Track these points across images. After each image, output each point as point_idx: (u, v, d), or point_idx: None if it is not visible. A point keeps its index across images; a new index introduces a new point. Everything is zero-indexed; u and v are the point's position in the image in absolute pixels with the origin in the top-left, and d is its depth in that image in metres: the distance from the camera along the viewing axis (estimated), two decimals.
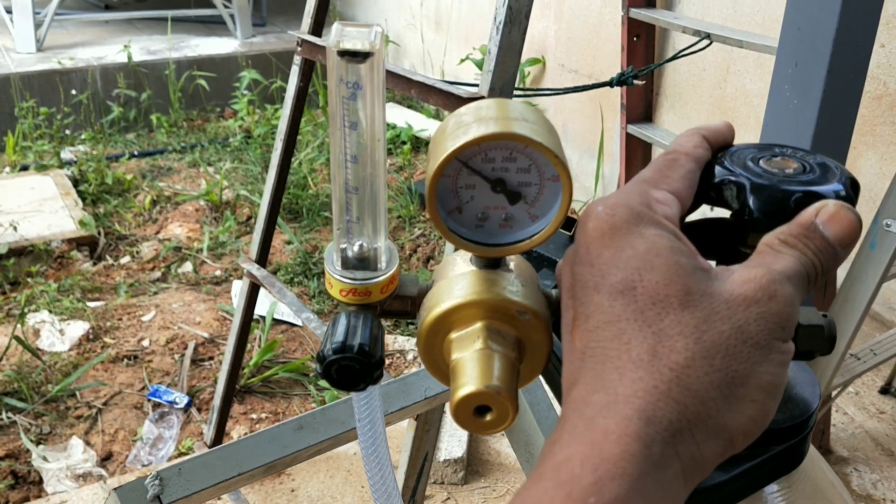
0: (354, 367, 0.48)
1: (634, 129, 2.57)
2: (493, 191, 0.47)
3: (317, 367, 0.49)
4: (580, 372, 0.39)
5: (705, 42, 2.19)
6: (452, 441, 2.34)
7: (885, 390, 2.60)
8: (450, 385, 0.48)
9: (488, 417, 0.46)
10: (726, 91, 3.06)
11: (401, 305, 0.52)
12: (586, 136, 3.79)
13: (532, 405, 0.99)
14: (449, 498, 2.29)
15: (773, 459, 0.51)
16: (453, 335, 0.49)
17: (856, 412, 2.54)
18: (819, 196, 0.45)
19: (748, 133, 3.01)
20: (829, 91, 1.84)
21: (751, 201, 0.45)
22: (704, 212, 0.50)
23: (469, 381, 0.45)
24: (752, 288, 0.39)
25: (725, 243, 0.50)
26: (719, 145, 0.50)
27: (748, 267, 0.40)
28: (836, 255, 0.43)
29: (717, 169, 0.48)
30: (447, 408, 1.51)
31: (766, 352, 0.38)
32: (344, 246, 0.50)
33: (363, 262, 0.50)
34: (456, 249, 0.50)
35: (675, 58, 2.23)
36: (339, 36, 0.42)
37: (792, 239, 0.42)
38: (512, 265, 0.51)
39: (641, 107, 2.60)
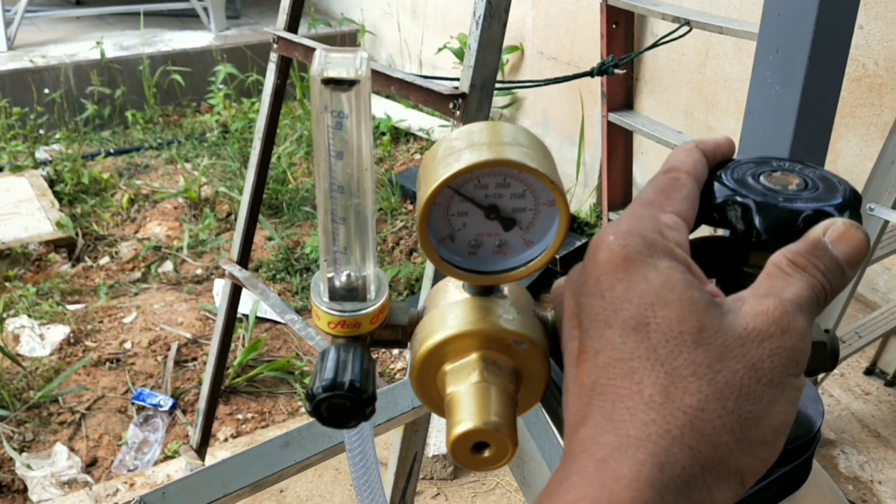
0: (346, 405, 0.46)
1: (615, 117, 2.56)
2: (486, 218, 0.45)
3: (306, 405, 0.47)
4: (588, 409, 0.38)
5: (685, 28, 2.18)
6: (441, 436, 2.33)
7: (869, 371, 2.62)
8: (445, 418, 0.47)
9: (487, 454, 0.44)
10: (706, 76, 3.05)
11: (391, 335, 0.50)
12: (567, 124, 3.78)
13: (527, 422, 0.97)
14: (439, 493, 2.28)
15: (777, 481, 0.50)
16: (447, 367, 0.47)
17: (841, 394, 2.55)
18: (828, 214, 0.44)
19: (729, 117, 3.01)
20: (812, 76, 1.82)
21: (757, 222, 0.44)
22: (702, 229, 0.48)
23: (466, 417, 0.43)
24: (764, 322, 0.37)
25: (726, 263, 0.49)
26: (718, 160, 0.48)
27: (759, 297, 0.38)
28: (845, 275, 0.42)
29: (718, 188, 0.46)
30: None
31: (779, 390, 0.36)
32: (331, 276, 0.48)
33: (351, 292, 0.48)
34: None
35: (654, 45, 2.22)
36: (322, 63, 0.40)
37: (801, 259, 0.41)
38: (506, 291, 0.49)
39: (622, 94, 2.58)
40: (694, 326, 0.36)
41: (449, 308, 0.48)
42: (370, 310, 0.48)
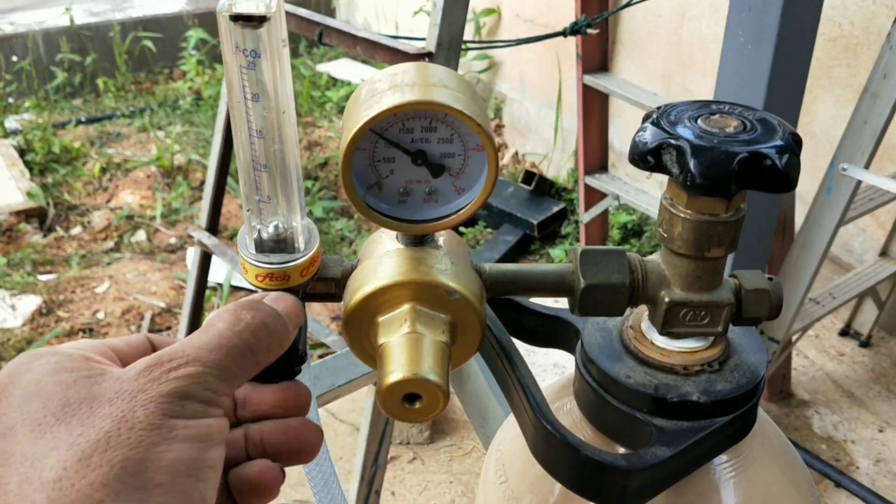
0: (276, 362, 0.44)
1: (591, 80, 2.53)
2: (413, 164, 0.43)
3: None
4: None
5: None
6: None
7: (844, 332, 2.63)
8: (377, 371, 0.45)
9: (418, 405, 0.43)
10: (683, 37, 3.02)
11: (324, 288, 0.49)
12: (544, 87, 3.75)
13: (482, 368, 0.96)
14: (415, 458, 2.29)
15: (721, 430, 0.49)
16: (380, 318, 0.45)
17: (816, 355, 2.57)
18: (764, 156, 0.42)
19: (706, 79, 2.99)
20: (784, 35, 1.81)
21: (692, 165, 0.42)
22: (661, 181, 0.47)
23: (397, 368, 0.42)
24: (135, 377, 0.37)
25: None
26: None
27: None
28: (285, 325, 0.43)
29: (654, 131, 0.45)
30: None
31: (163, 431, 0.36)
32: (257, 227, 0.46)
33: (279, 243, 0.46)
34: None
35: (629, 4, 2.19)
36: None
37: (225, 313, 0.42)
38: (441, 241, 0.48)
39: (597, 56, 2.55)
40: (57, 406, 0.36)
41: (381, 259, 0.46)
42: (299, 261, 0.46)
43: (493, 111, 4.03)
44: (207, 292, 2.24)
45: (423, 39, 1.58)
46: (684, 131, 0.44)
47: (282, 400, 0.44)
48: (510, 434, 0.59)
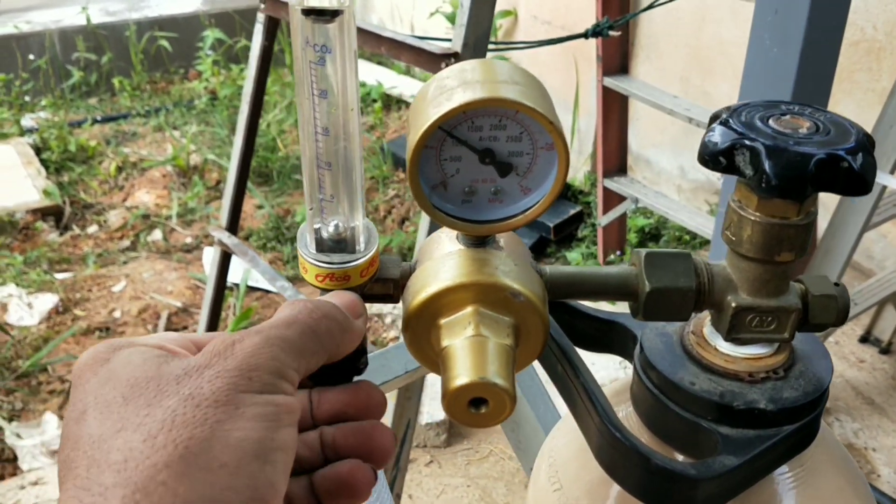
0: (353, 365, 0.44)
1: (611, 82, 2.52)
2: (481, 162, 0.42)
3: None
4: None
5: None
6: (434, 404, 2.31)
7: (864, 339, 2.61)
8: (439, 374, 0.44)
9: (484, 410, 0.42)
10: (702, 40, 3.01)
11: (382, 289, 0.48)
12: (561, 89, 3.73)
13: (522, 385, 0.95)
14: (432, 461, 2.28)
15: (787, 439, 0.48)
16: (442, 321, 0.45)
17: (836, 361, 2.54)
18: (840, 158, 0.41)
19: (725, 82, 2.97)
20: (810, 39, 1.79)
21: (767, 166, 0.41)
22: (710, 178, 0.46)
23: (462, 372, 0.41)
24: (204, 355, 0.37)
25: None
26: None
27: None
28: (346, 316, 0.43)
29: (724, 131, 0.44)
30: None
31: (231, 408, 0.34)
32: (318, 226, 0.45)
33: (340, 243, 0.45)
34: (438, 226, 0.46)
35: (650, 7, 2.18)
36: None
37: (286, 306, 0.41)
38: (502, 242, 0.47)
39: (617, 58, 2.54)
40: (125, 387, 0.36)
41: (442, 260, 0.45)
42: (360, 262, 0.45)
43: None
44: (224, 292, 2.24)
45: (449, 40, 1.58)
46: (758, 132, 0.43)
47: (353, 400, 0.44)
48: (562, 440, 0.58)
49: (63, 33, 4.60)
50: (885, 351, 2.57)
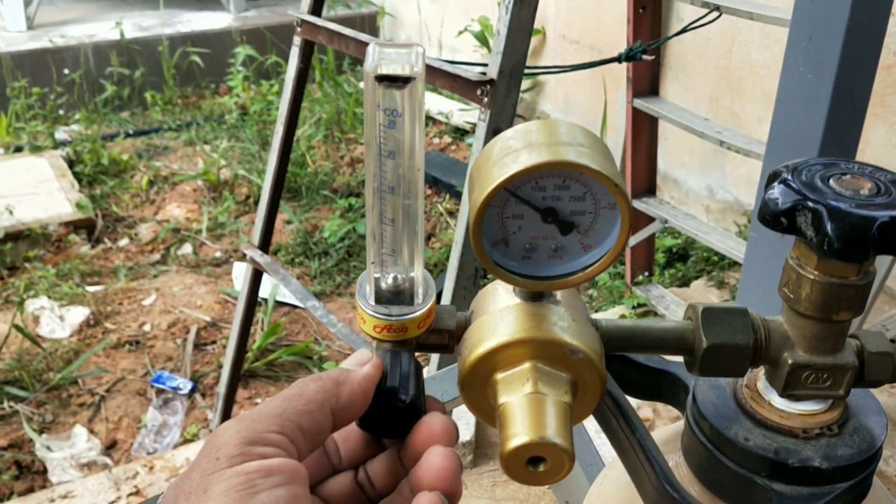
0: (394, 417, 0.44)
1: (640, 103, 2.52)
2: (543, 221, 0.43)
3: None
4: None
5: (714, 14, 2.13)
6: (460, 424, 2.31)
7: None
8: (496, 429, 0.45)
9: (542, 468, 0.42)
10: (732, 62, 3.00)
11: (438, 339, 0.48)
12: (589, 109, 3.74)
13: None
14: None
15: (840, 496, 0.48)
16: (499, 376, 0.45)
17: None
18: None
19: (754, 104, 2.96)
20: (844, 65, 1.78)
21: (829, 229, 0.41)
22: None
23: (520, 430, 0.42)
24: None
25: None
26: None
27: None
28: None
29: (784, 190, 0.44)
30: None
31: (201, 493, 0.38)
32: (377, 277, 0.46)
33: (398, 295, 0.46)
34: (491, 277, 0.46)
35: (684, 31, 2.17)
36: (377, 59, 0.38)
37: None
38: (559, 296, 0.47)
39: (647, 80, 2.54)
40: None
41: (500, 314, 0.46)
42: (418, 314, 0.46)
43: None
44: None
45: (483, 64, 1.58)
46: (819, 193, 0.43)
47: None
48: (609, 487, 0.58)
49: (97, 48, 4.67)
50: None
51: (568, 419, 0.43)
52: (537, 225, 0.43)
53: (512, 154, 0.41)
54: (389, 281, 0.46)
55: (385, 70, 0.38)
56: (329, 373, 0.43)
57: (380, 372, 0.44)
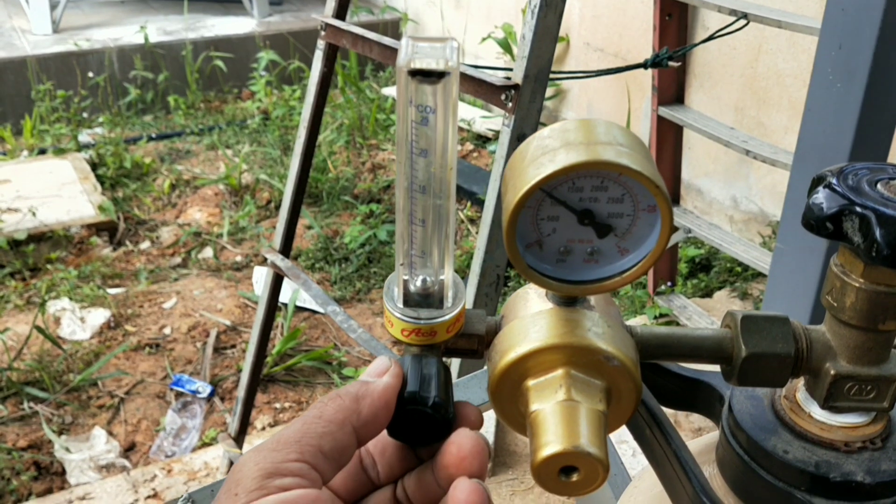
0: (423, 424, 0.43)
1: (666, 112, 2.50)
2: (579, 223, 0.41)
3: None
4: None
5: (742, 22, 2.11)
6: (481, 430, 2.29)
7: None
8: (527, 436, 0.43)
9: (575, 478, 0.41)
10: (758, 70, 2.97)
11: (467, 344, 0.47)
12: (612, 116, 3.71)
13: None
14: None
15: None
16: (530, 382, 0.44)
17: None
18: None
19: (780, 114, 2.93)
20: (875, 74, 1.76)
21: (878, 235, 0.40)
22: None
23: (553, 439, 0.40)
24: None
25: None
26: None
27: None
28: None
29: (829, 195, 0.42)
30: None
31: None
32: (406, 279, 0.45)
33: (427, 298, 0.45)
34: (524, 280, 0.45)
35: (711, 38, 2.15)
36: (410, 53, 0.37)
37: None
38: (593, 301, 0.46)
39: (673, 88, 2.52)
40: None
41: (532, 319, 0.44)
42: (447, 318, 0.45)
43: None
44: None
45: (508, 69, 1.57)
46: (867, 197, 0.41)
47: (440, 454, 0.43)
48: (640, 499, 0.56)
49: (121, 51, 4.71)
50: None
51: (602, 428, 0.41)
52: (573, 227, 0.42)
53: (549, 153, 0.39)
54: (418, 283, 0.45)
55: (419, 64, 0.36)
56: (348, 389, 0.42)
57: (400, 381, 0.43)
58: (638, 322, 2.81)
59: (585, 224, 0.41)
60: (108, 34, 4.90)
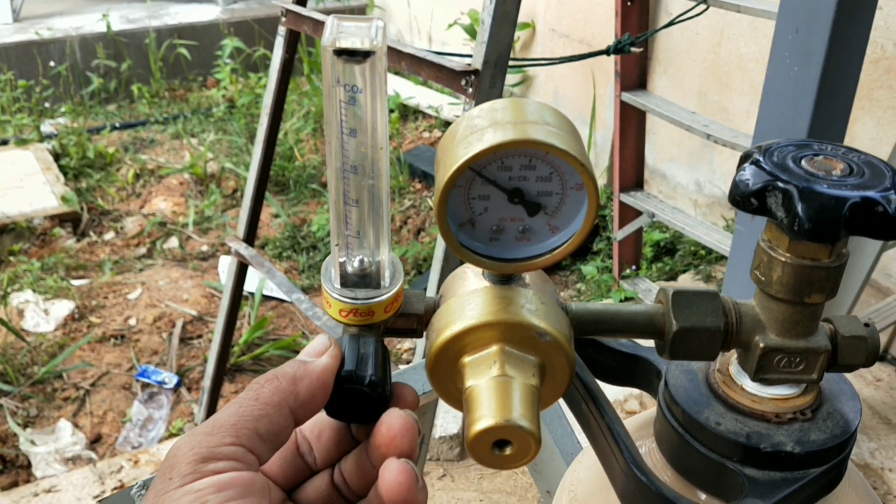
0: (360, 401, 0.43)
1: (629, 97, 2.51)
2: (509, 202, 0.42)
3: None
4: None
5: (702, 7, 2.13)
6: (448, 417, 2.31)
7: (881, 357, 2.58)
8: (462, 411, 0.44)
9: (508, 451, 0.41)
10: (720, 55, 3.00)
11: (406, 324, 0.48)
12: (578, 103, 3.73)
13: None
14: (445, 474, 2.27)
15: (814, 481, 0.47)
16: (466, 359, 0.44)
17: (853, 380, 2.52)
18: (875, 202, 0.41)
19: (743, 97, 2.96)
20: (831, 57, 1.78)
21: (800, 209, 0.41)
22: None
23: (486, 413, 0.41)
24: None
25: None
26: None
27: None
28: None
29: (755, 171, 0.43)
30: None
31: None
32: (343, 261, 0.45)
33: (364, 278, 0.45)
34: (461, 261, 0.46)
35: (671, 24, 2.17)
36: (335, 33, 0.37)
37: None
38: (528, 279, 0.46)
39: (636, 73, 2.53)
40: None
41: (468, 297, 0.45)
42: (384, 297, 0.45)
43: None
44: None
45: (469, 56, 1.57)
46: (790, 173, 0.42)
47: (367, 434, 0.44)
48: (584, 474, 0.57)
49: (83, 40, 4.64)
50: None
51: (535, 402, 0.42)
52: (504, 206, 0.42)
53: (477, 132, 0.40)
54: (355, 264, 0.45)
55: (344, 44, 0.37)
56: (284, 370, 0.42)
57: (338, 361, 0.43)
58: None
59: (516, 202, 0.42)
60: (70, 23, 4.83)
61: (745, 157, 0.45)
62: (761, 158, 0.44)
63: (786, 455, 0.46)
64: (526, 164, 0.41)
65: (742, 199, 0.43)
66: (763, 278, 0.45)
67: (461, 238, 0.43)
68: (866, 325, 0.48)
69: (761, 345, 0.46)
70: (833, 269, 0.44)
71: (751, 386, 0.48)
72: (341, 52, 0.37)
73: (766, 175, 0.43)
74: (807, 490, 0.47)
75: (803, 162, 0.44)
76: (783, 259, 0.44)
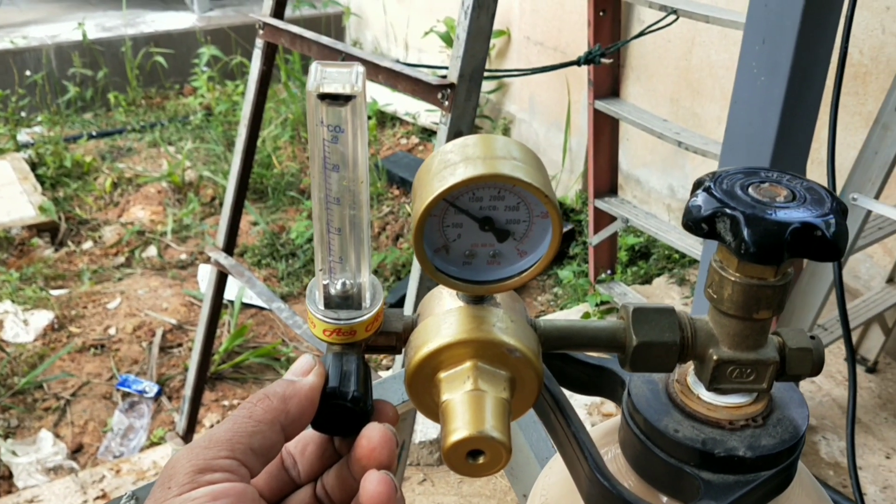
0: (343, 416, 0.47)
1: (602, 105, 2.56)
2: (481, 229, 0.45)
3: None
4: None
5: (672, 17, 2.18)
6: (428, 423, 2.34)
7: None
8: (439, 423, 0.47)
9: (481, 461, 0.45)
10: (692, 62, 3.06)
11: (386, 341, 0.51)
12: (553, 109, 3.78)
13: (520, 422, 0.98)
14: (425, 479, 2.30)
15: (765, 483, 0.51)
16: (442, 375, 0.47)
17: (823, 381, 2.58)
18: (814, 226, 0.45)
19: (714, 104, 3.02)
20: (797, 67, 1.83)
21: (746, 234, 0.44)
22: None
23: (461, 425, 0.44)
24: None
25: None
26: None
27: None
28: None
29: (706, 198, 0.47)
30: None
31: None
32: (326, 283, 0.48)
33: (347, 300, 0.48)
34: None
35: (641, 34, 2.22)
36: (318, 79, 0.40)
37: None
38: (499, 299, 0.50)
39: (608, 81, 2.58)
40: None
41: (443, 316, 0.48)
42: (365, 318, 0.48)
43: (502, 132, 4.06)
44: None
45: (444, 68, 1.61)
46: (738, 200, 0.46)
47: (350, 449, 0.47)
48: (553, 479, 0.61)
49: (59, 49, 4.63)
50: (871, 370, 2.61)
51: (506, 414, 0.45)
52: (475, 233, 0.46)
53: (450, 167, 0.43)
54: (338, 287, 0.48)
55: (327, 89, 0.40)
56: (274, 389, 0.46)
57: (323, 379, 0.47)
58: (581, 309, 2.88)
59: (486, 230, 0.45)
60: (46, 31, 4.81)
61: (697, 184, 0.49)
62: (712, 185, 0.48)
63: (738, 459, 0.50)
64: (495, 195, 0.44)
65: (694, 224, 0.47)
66: (715, 296, 0.49)
67: (436, 262, 0.46)
68: (812, 337, 0.52)
69: (715, 357, 0.50)
70: (779, 288, 0.48)
71: (706, 395, 0.52)
72: (325, 97, 0.40)
73: (715, 202, 0.46)
74: (758, 491, 0.50)
75: (750, 189, 0.47)
76: (733, 279, 0.48)
